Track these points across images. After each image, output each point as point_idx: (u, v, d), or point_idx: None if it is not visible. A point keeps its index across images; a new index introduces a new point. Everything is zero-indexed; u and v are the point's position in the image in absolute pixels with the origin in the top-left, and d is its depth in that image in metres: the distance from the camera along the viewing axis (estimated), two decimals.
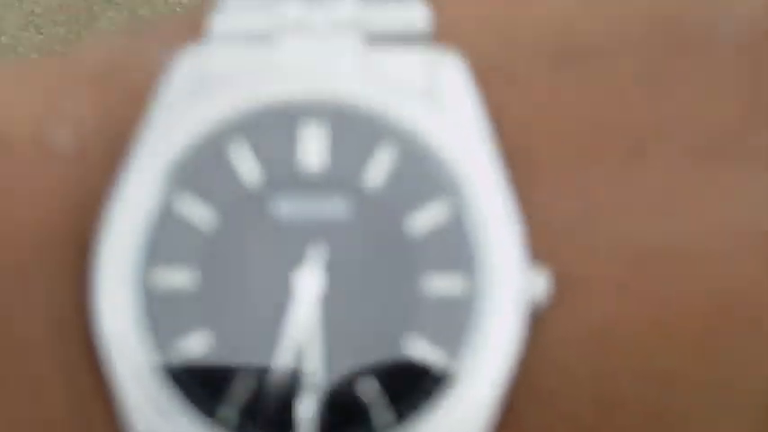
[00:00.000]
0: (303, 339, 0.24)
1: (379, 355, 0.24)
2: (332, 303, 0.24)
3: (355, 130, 0.25)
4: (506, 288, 0.24)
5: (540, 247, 0.25)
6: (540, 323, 0.24)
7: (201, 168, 0.24)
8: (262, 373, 0.24)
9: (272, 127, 0.25)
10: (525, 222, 0.25)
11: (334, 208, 0.24)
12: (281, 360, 0.24)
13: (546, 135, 0.25)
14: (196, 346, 0.24)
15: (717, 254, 0.25)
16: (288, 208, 0.24)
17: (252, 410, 0.23)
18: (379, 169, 0.24)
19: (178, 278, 0.24)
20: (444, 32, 0.26)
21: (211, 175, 0.24)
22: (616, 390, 0.24)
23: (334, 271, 0.24)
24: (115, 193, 0.24)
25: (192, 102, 0.25)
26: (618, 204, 0.25)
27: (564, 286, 0.24)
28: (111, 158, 0.25)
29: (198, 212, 0.24)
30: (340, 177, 0.24)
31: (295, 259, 0.24)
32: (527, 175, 0.25)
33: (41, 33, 1.39)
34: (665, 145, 0.25)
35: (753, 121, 0.25)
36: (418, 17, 0.25)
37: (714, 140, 0.25)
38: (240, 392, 0.24)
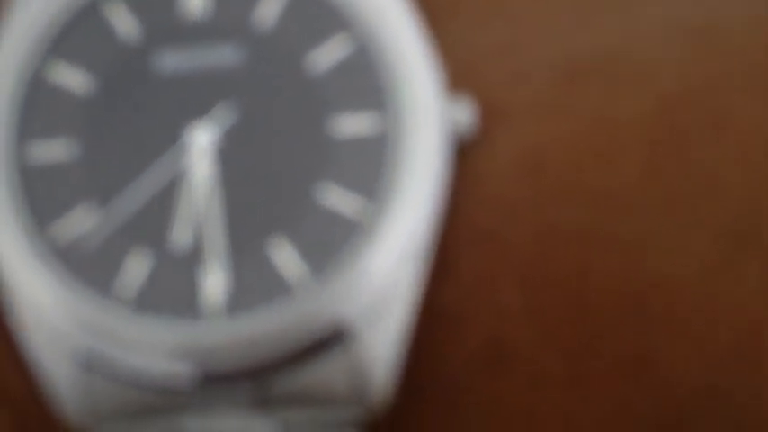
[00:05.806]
0: (202, 203, 0.21)
1: (288, 209, 0.21)
2: (231, 159, 0.22)
3: None
4: (423, 123, 0.22)
5: (462, 76, 0.23)
6: (467, 156, 0.22)
7: (75, 34, 0.22)
8: (158, 243, 0.21)
9: None
10: (443, 53, 0.23)
11: (223, 56, 0.22)
12: (180, 228, 0.21)
13: None
14: (81, 221, 0.21)
15: (651, 59, 0.23)
16: (173, 61, 0.22)
17: (151, 286, 0.21)
18: (269, 10, 0.22)
19: (55, 150, 0.22)
20: None
21: (86, 40, 0.22)
22: (554, 216, 0.22)
23: (230, 124, 0.22)
24: None
25: None
26: (543, 26, 0.23)
27: (490, 115, 0.23)
28: None
29: (74, 79, 0.22)
30: (227, 23, 0.22)
31: (186, 116, 0.22)
32: (445, 6, 0.23)
33: None
34: None
35: None
36: None
37: None
38: (136, 268, 0.21)
